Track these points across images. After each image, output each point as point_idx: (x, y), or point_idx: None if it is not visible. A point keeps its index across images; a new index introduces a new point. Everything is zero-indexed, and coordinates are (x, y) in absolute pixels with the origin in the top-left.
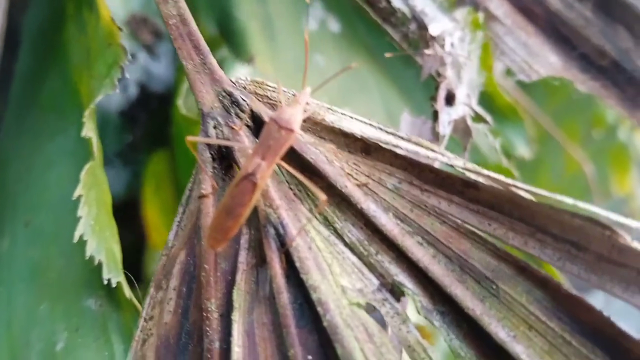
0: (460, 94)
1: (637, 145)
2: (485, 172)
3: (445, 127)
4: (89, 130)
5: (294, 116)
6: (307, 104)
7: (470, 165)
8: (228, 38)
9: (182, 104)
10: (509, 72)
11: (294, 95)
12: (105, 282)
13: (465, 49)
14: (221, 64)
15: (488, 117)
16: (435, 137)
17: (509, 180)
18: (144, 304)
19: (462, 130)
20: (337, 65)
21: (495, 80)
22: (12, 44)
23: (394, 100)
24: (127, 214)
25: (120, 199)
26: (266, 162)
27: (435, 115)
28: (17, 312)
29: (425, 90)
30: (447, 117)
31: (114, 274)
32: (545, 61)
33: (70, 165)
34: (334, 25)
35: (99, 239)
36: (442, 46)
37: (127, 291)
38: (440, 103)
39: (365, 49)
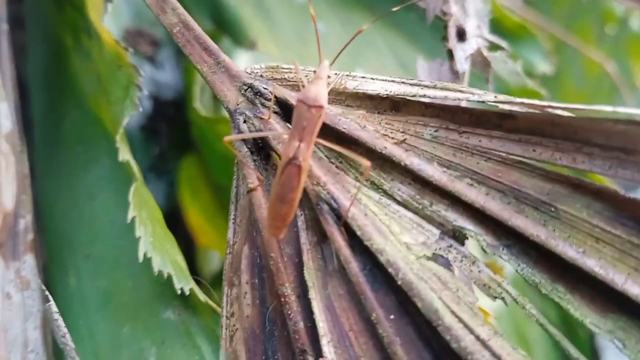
0: (470, 27)
1: None
2: (519, 100)
3: (463, 64)
4: (125, 154)
5: (320, 92)
6: (329, 76)
7: (502, 97)
8: (226, 29)
9: (200, 106)
10: None
11: (314, 71)
12: (179, 292)
13: None
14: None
15: (503, 43)
16: (456, 76)
17: (543, 102)
18: (222, 303)
19: (480, 63)
20: (338, 28)
21: (498, 3)
22: (21, 89)
23: (404, 49)
24: (172, 223)
25: (163, 210)
26: (305, 143)
27: (450, 55)
28: (100, 341)
29: (433, 32)
30: (463, 53)
31: (184, 282)
32: None
33: (111, 192)
34: None
35: (162, 253)
36: None
37: (202, 295)
38: (452, 41)
39: (363, 5)
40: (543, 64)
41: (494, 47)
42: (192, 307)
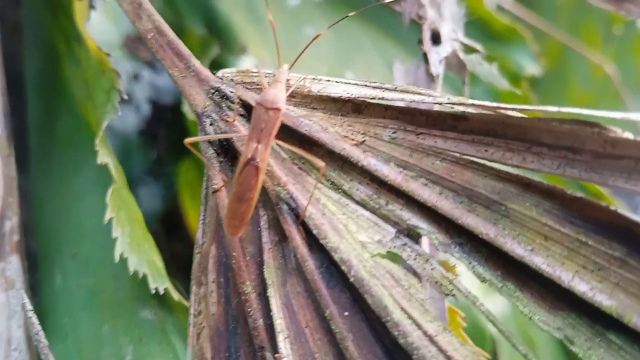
0: (445, 31)
1: None
2: (470, 101)
3: (437, 67)
4: (104, 156)
5: (278, 95)
6: (288, 80)
7: (455, 99)
8: (218, 34)
9: (189, 110)
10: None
11: (273, 75)
12: (153, 291)
13: None
14: (218, 60)
15: (478, 46)
16: (431, 78)
17: (493, 104)
18: (190, 302)
19: (456, 66)
20: (328, 32)
21: (486, 6)
22: (19, 92)
23: (391, 51)
24: (171, 225)
25: (162, 212)
26: (262, 144)
27: (426, 58)
28: (83, 338)
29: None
30: (437, 56)
31: (159, 282)
32: None
33: (99, 193)
34: None
35: (139, 254)
36: None
37: (176, 294)
38: (427, 44)
39: (352, 8)
40: (532, 66)
41: (469, 49)
42: (168, 306)
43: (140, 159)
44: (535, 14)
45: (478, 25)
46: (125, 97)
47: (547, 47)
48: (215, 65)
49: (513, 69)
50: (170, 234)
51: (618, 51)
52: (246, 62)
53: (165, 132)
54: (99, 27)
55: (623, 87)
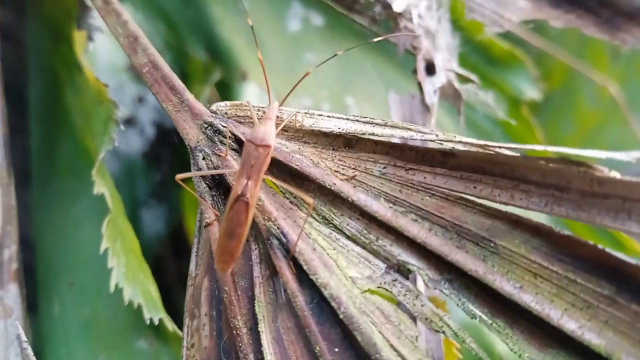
0: (440, 61)
1: None
2: (458, 138)
3: (431, 97)
4: (100, 187)
5: (268, 132)
6: (278, 116)
7: (443, 136)
8: (219, 59)
9: None
10: (480, 27)
11: (263, 112)
12: (148, 322)
13: (434, 16)
14: (225, 82)
15: (472, 76)
16: (426, 108)
17: (482, 142)
18: (183, 334)
19: (452, 95)
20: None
21: (486, 31)
22: (24, 116)
23: (393, 77)
24: (178, 245)
25: (168, 232)
26: (252, 180)
27: (421, 87)
28: None
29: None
30: (431, 86)
31: (154, 312)
32: (515, 7)
33: (96, 222)
34: (317, 20)
35: (134, 284)
36: (410, 20)
37: (170, 325)
38: (421, 74)
39: (354, 34)
40: (532, 91)
41: (464, 79)
42: (163, 336)
43: (144, 181)
44: (541, 36)
45: (477, 51)
46: (123, 127)
47: (554, 68)
48: (221, 88)
49: (513, 94)
50: (178, 253)
51: (625, 70)
52: (249, 88)
53: (169, 154)
54: (104, 50)
55: (629, 107)
